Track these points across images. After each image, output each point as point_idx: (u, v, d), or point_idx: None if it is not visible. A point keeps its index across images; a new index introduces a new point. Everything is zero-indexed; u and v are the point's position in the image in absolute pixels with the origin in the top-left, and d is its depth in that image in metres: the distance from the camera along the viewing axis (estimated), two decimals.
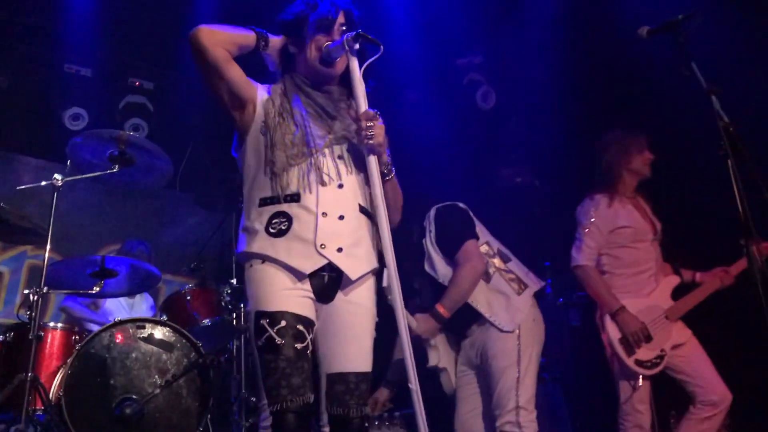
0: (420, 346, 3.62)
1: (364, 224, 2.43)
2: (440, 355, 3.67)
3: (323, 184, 2.34)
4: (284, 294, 2.27)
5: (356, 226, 2.39)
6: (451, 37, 5.99)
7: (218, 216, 5.44)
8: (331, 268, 2.33)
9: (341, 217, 2.34)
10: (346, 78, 2.47)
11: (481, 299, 3.54)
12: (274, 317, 2.23)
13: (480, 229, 3.69)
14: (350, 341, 2.37)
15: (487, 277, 3.57)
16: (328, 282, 2.34)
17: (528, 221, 5.43)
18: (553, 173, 5.69)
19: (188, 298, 4.34)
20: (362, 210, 2.42)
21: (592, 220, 3.90)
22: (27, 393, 3.30)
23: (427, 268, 3.63)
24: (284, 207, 2.32)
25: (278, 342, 2.20)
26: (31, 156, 6.01)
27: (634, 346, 3.69)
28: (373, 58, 2.38)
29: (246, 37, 2.44)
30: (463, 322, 3.62)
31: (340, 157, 2.41)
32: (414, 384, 2.25)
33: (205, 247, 5.51)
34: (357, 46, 2.36)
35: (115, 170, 3.90)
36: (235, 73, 2.40)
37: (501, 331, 3.50)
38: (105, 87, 6.22)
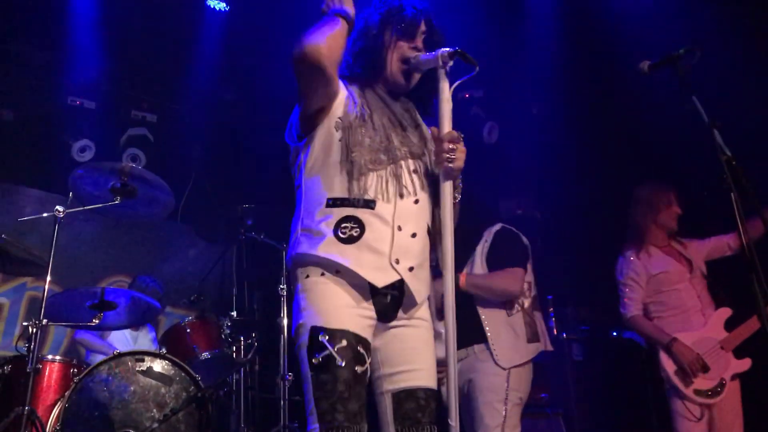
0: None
1: (428, 246, 2.29)
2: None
3: (401, 196, 2.20)
4: (346, 312, 2.12)
5: (423, 246, 2.26)
6: (452, 70, 6.04)
7: (219, 248, 5.44)
8: (393, 287, 2.18)
9: (414, 235, 2.20)
10: (415, 92, 2.40)
11: (493, 324, 3.55)
12: (335, 335, 2.06)
13: (529, 270, 3.75)
14: (415, 358, 2.23)
15: (510, 310, 3.59)
16: (391, 301, 2.19)
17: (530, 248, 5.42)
18: (555, 205, 5.70)
19: (188, 330, 4.31)
20: (428, 231, 2.29)
21: (628, 274, 4.10)
22: (23, 427, 3.26)
23: (466, 268, 3.69)
24: (357, 212, 2.16)
25: (339, 362, 2.02)
26: (34, 188, 6.02)
27: (692, 375, 3.79)
28: (466, 77, 2.25)
29: (343, 34, 2.26)
30: (464, 338, 3.61)
31: (416, 172, 2.27)
32: (454, 421, 2.11)
33: (206, 279, 5.49)
34: (451, 63, 2.24)
35: (117, 202, 3.90)
36: (336, 74, 2.27)
37: (495, 363, 3.49)
38: (108, 120, 6.25)
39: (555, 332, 5.17)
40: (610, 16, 5.27)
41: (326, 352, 2.04)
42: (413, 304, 2.23)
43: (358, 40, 2.38)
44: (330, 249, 2.14)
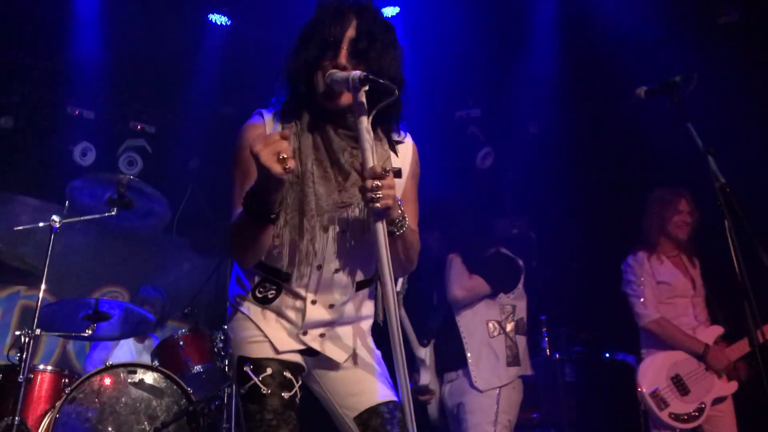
0: (414, 366, 3.68)
1: (360, 296, 2.20)
2: (431, 377, 3.71)
3: (319, 267, 2.08)
4: (271, 338, 2.10)
5: (347, 308, 2.16)
6: (451, 90, 6.08)
7: (214, 261, 5.42)
8: (302, 350, 2.14)
9: (331, 306, 2.12)
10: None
11: (474, 347, 3.58)
12: (259, 364, 2.06)
13: (519, 293, 3.78)
14: (361, 378, 2.17)
15: (492, 332, 3.60)
16: (309, 351, 2.15)
17: (524, 271, 5.44)
18: (550, 225, 5.72)
19: (181, 343, 4.30)
20: (360, 285, 2.17)
21: (641, 275, 3.98)
22: None
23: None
24: (274, 279, 2.11)
25: (263, 391, 2.02)
26: (30, 196, 6.01)
27: (724, 373, 3.72)
28: (385, 103, 1.89)
29: (262, 232, 1.96)
30: (453, 360, 3.64)
31: (344, 231, 2.07)
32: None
33: (200, 293, 5.48)
34: (365, 88, 1.88)
35: (113, 213, 3.91)
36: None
37: (471, 385, 3.51)
38: (107, 129, 6.27)
39: (548, 353, 5.16)
40: (609, 39, 5.31)
41: (251, 382, 2.04)
42: (335, 362, 2.16)
43: (287, 61, 2.11)
44: (246, 304, 2.15)
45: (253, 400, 2.03)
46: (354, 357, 2.20)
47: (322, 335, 2.15)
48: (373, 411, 2.11)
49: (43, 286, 3.62)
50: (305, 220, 2.03)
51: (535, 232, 5.60)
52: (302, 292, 2.11)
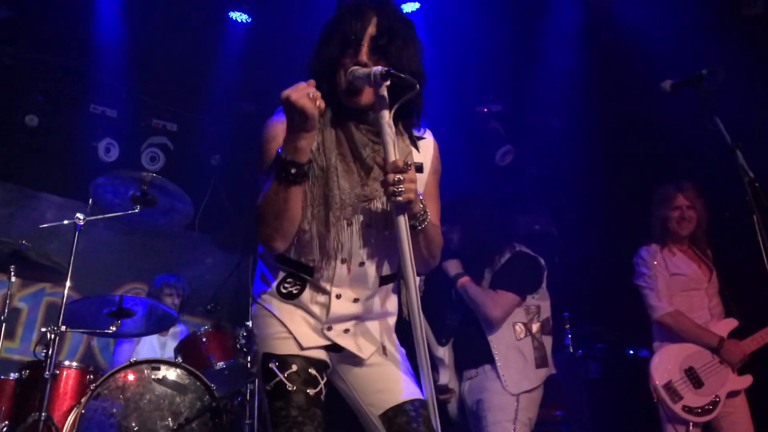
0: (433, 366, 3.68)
1: (384, 291, 2.20)
2: (450, 376, 3.69)
3: (343, 261, 2.09)
4: (296, 334, 2.11)
5: (372, 302, 2.18)
6: (472, 84, 6.05)
7: (235, 257, 5.46)
8: (327, 346, 2.16)
9: (356, 300, 2.14)
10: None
11: (502, 348, 3.54)
12: (284, 360, 2.07)
13: (543, 292, 3.73)
14: (387, 376, 2.17)
15: (519, 334, 3.57)
16: (334, 348, 2.17)
17: (546, 270, 5.41)
18: (572, 221, 5.67)
19: (203, 339, 4.33)
20: (384, 279, 2.18)
21: (655, 267, 3.94)
22: None
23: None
24: (299, 273, 2.13)
25: (289, 388, 2.03)
26: (54, 194, 6.08)
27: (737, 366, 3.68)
28: (405, 99, 1.93)
29: (292, 198, 1.96)
30: (473, 358, 3.61)
31: (369, 225, 2.09)
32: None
33: (222, 289, 5.51)
34: (387, 83, 1.92)
35: (136, 210, 3.94)
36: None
37: (504, 389, 3.47)
38: (129, 128, 6.32)
39: (571, 350, 5.13)
40: (633, 33, 5.25)
41: (276, 379, 2.05)
42: (360, 358, 2.17)
43: (309, 59, 2.13)
44: (270, 299, 2.16)
45: (278, 397, 2.04)
46: (379, 353, 2.20)
47: (346, 330, 2.15)
48: (399, 409, 2.11)
49: (67, 283, 3.66)
50: (330, 213, 2.04)
51: (557, 227, 5.57)
52: (327, 286, 2.11)
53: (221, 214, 6.46)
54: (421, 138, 2.22)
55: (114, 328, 4.02)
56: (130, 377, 3.71)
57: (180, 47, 5.85)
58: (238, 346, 4.34)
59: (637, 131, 5.56)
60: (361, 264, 2.12)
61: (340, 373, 2.23)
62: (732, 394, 3.71)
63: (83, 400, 3.58)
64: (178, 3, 5.59)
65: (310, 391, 2.05)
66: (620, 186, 5.62)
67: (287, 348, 2.10)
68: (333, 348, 2.17)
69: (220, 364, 4.27)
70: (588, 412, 5.09)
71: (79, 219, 3.74)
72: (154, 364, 3.80)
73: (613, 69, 5.58)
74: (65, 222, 3.84)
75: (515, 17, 5.56)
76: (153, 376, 3.74)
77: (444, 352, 3.74)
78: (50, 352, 3.49)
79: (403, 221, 1.97)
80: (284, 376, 2.05)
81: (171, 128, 6.49)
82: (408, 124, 2.16)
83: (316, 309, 2.13)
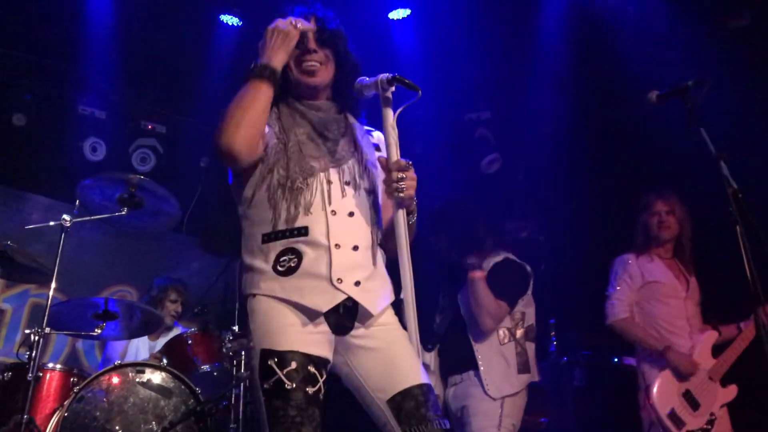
0: None
1: (377, 255, 2.24)
2: (435, 382, 3.69)
3: (333, 212, 2.15)
4: (294, 331, 2.07)
5: (369, 257, 2.20)
6: (461, 92, 6.08)
7: (223, 261, 5.44)
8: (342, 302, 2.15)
9: (355, 248, 2.16)
10: (334, 92, 2.35)
11: (485, 353, 3.56)
12: (284, 357, 2.02)
13: (528, 299, 3.75)
14: (393, 361, 2.15)
15: (503, 339, 3.59)
16: (344, 312, 2.14)
17: (533, 277, 5.43)
18: (559, 229, 5.70)
19: (189, 342, 4.30)
20: (373, 241, 2.24)
21: (622, 276, 4.03)
22: None
23: (460, 295, 3.71)
24: (291, 242, 2.12)
25: (288, 386, 1.99)
26: (41, 195, 6.04)
27: (686, 375, 3.72)
28: (409, 103, 2.18)
29: (262, 96, 2.16)
30: (458, 364, 3.62)
31: (348, 183, 2.22)
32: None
33: (209, 292, 5.49)
34: (392, 89, 2.19)
35: (123, 213, 3.93)
36: (259, 146, 2.20)
37: (485, 393, 3.48)
38: (118, 129, 6.29)
39: (556, 356, 5.15)
40: (619, 43, 5.30)
41: (275, 377, 2.01)
42: (369, 315, 2.17)
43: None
44: (271, 285, 2.13)
45: (277, 396, 2.00)
46: (387, 327, 2.21)
47: (357, 283, 2.14)
48: (407, 393, 2.10)
49: (53, 285, 3.64)
50: (304, 171, 2.17)
51: (544, 235, 5.59)
52: (323, 239, 2.13)
53: (209, 217, 6.43)
54: (373, 130, 2.43)
55: (99, 331, 4.00)
56: (115, 380, 3.68)
57: (170, 49, 5.84)
58: (224, 350, 4.33)
59: (624, 140, 5.60)
60: (351, 214, 2.19)
61: (345, 359, 2.19)
62: (723, 406, 3.78)
63: (66, 402, 3.55)
64: (168, 5, 5.58)
65: (309, 390, 2.02)
66: (608, 194, 5.65)
67: (287, 343, 2.05)
68: (341, 328, 2.14)
69: (205, 368, 4.25)
70: (573, 419, 5.11)
71: (66, 220, 3.72)
72: (139, 367, 3.78)
73: (601, 79, 5.63)
74: (51, 223, 3.81)
75: (504, 25, 5.60)
76: (138, 379, 3.72)
77: (430, 358, 3.75)
78: (34, 354, 3.47)
79: (402, 215, 2.16)
80: (283, 374, 2.01)
81: (160, 130, 6.46)
82: (357, 114, 2.42)
83: (320, 268, 2.11)
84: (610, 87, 5.50)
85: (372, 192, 2.27)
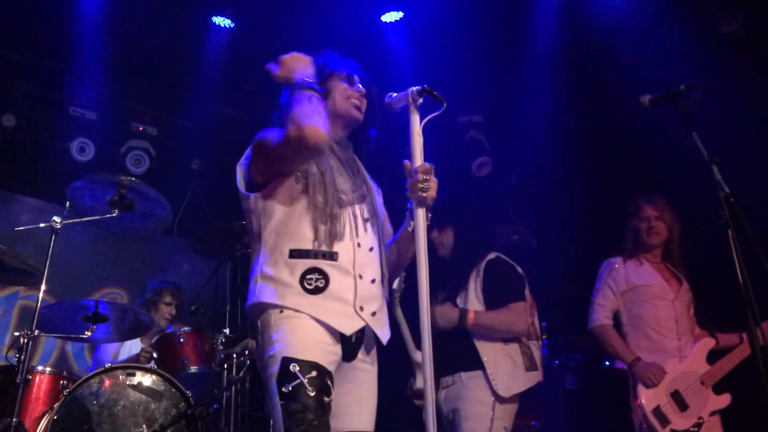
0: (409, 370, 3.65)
1: (384, 289, 2.44)
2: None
3: (358, 245, 2.34)
4: (317, 347, 2.20)
5: (381, 291, 2.40)
6: (453, 95, 6.07)
7: (214, 263, 5.42)
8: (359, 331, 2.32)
9: (373, 281, 2.35)
10: (354, 133, 2.58)
11: (490, 355, 3.53)
12: (306, 365, 2.14)
13: (529, 299, 3.74)
14: (363, 400, 2.36)
15: (507, 338, 3.57)
16: (355, 342, 2.32)
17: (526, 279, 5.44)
18: (551, 232, 5.71)
19: (181, 340, 4.27)
20: (385, 277, 2.45)
21: (606, 281, 4.06)
22: None
23: (459, 299, 3.67)
24: (320, 263, 2.27)
25: (309, 392, 2.10)
26: (31, 196, 6.00)
27: (652, 385, 3.72)
28: (435, 114, 2.37)
29: (312, 95, 2.33)
30: (451, 364, 3.58)
31: (366, 219, 2.42)
32: None
33: (200, 295, 5.46)
34: (420, 100, 2.38)
35: (114, 215, 3.90)
36: None
37: (492, 392, 3.47)
38: (108, 131, 6.26)
39: (548, 360, 5.15)
40: (612, 46, 5.32)
41: (297, 381, 2.12)
42: (373, 345, 2.38)
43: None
44: (298, 300, 2.24)
45: (296, 399, 2.10)
46: (367, 362, 2.39)
47: (374, 314, 2.33)
48: None
49: (42, 287, 3.60)
50: (336, 203, 2.33)
51: (536, 238, 5.61)
52: (349, 268, 2.30)
53: (200, 219, 6.41)
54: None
55: (89, 333, 3.96)
56: (105, 383, 3.65)
57: (162, 51, 5.81)
58: (215, 352, 4.31)
59: (617, 143, 5.62)
60: (371, 249, 2.38)
61: None
62: (712, 414, 3.76)
63: (56, 405, 3.53)
64: (161, 7, 5.56)
65: (326, 399, 2.14)
66: (600, 196, 5.67)
67: (309, 354, 2.17)
68: (349, 354, 2.30)
69: (194, 369, 4.22)
70: (564, 422, 5.12)
71: (56, 222, 3.69)
72: (129, 369, 3.76)
73: (594, 82, 5.65)
74: (41, 225, 3.79)
75: (496, 29, 5.61)
76: (128, 382, 3.70)
77: (421, 357, 3.71)
78: (23, 357, 3.44)
79: (422, 215, 2.32)
80: (305, 380, 2.11)
81: (151, 132, 6.44)
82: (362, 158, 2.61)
83: (345, 294, 2.27)
84: (603, 91, 5.52)
85: (381, 232, 2.47)
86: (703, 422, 3.70)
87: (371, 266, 2.36)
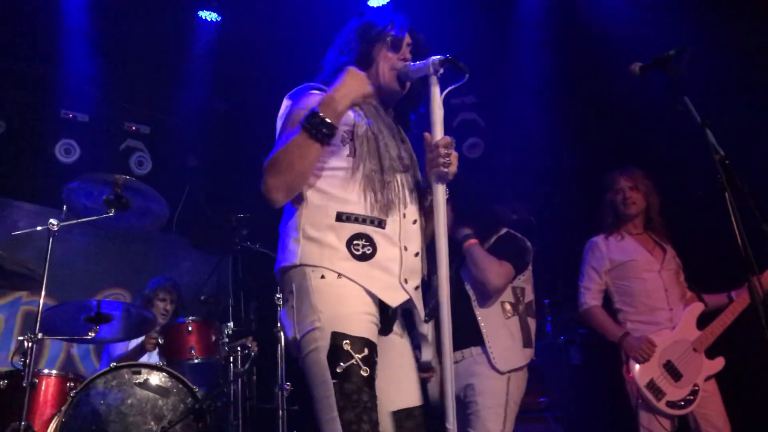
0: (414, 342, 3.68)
1: (424, 264, 2.32)
2: (433, 353, 3.65)
3: (404, 216, 2.23)
4: (365, 318, 2.09)
5: (423, 268, 2.29)
6: (444, 76, 6.05)
7: (214, 258, 5.41)
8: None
9: (417, 254, 2.24)
10: (399, 104, 2.45)
11: (491, 327, 3.52)
12: (358, 342, 2.03)
13: (528, 275, 3.74)
14: (406, 375, 2.29)
15: (507, 313, 3.56)
16: (392, 315, 2.24)
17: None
18: (551, 209, 5.70)
19: (189, 329, 4.26)
20: (422, 248, 2.32)
21: (590, 262, 4.06)
22: None
23: (462, 271, 3.68)
24: (367, 229, 2.15)
25: (363, 372, 2.00)
26: (27, 201, 5.99)
27: (642, 360, 3.70)
28: (457, 84, 2.27)
29: (312, 155, 2.14)
30: (460, 339, 3.57)
31: (411, 190, 2.30)
32: (452, 425, 2.12)
33: (202, 290, 5.46)
34: (441, 70, 2.27)
35: (111, 214, 3.89)
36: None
37: (492, 368, 3.47)
38: (101, 132, 6.25)
39: (552, 336, 5.16)
40: (601, 16, 5.29)
41: (351, 361, 2.01)
42: (408, 317, 2.29)
43: (343, 54, 2.38)
44: (345, 265, 2.12)
45: (350, 380, 2.00)
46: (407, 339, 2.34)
47: (417, 288, 2.24)
48: (411, 413, 2.21)
49: (43, 291, 3.60)
50: (385, 171, 2.21)
51: (535, 216, 5.59)
52: (395, 238, 2.20)
53: (198, 215, 6.40)
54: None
55: (93, 334, 3.97)
56: (111, 382, 3.66)
57: (149, 47, 5.79)
58: (221, 344, 4.31)
59: (611, 117, 5.60)
60: (414, 222, 2.27)
61: None
62: (707, 379, 3.74)
63: (64, 408, 3.53)
64: (146, 3, 5.53)
65: (375, 377, 2.05)
66: (596, 173, 5.65)
67: (359, 329, 2.06)
68: (387, 327, 2.23)
69: (199, 359, 4.22)
70: (572, 398, 5.13)
71: (53, 225, 3.67)
72: (135, 368, 3.76)
73: (584, 56, 5.61)
74: (38, 228, 3.78)
75: (486, 8, 5.58)
76: (134, 381, 3.70)
77: (427, 329, 3.68)
78: (28, 361, 3.44)
79: (442, 189, 2.23)
80: (360, 359, 2.02)
81: (144, 131, 6.43)
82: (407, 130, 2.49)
83: (391, 264, 2.17)
84: (594, 64, 5.49)
85: (422, 206, 2.34)
86: (698, 389, 3.68)
87: (415, 239, 2.24)
